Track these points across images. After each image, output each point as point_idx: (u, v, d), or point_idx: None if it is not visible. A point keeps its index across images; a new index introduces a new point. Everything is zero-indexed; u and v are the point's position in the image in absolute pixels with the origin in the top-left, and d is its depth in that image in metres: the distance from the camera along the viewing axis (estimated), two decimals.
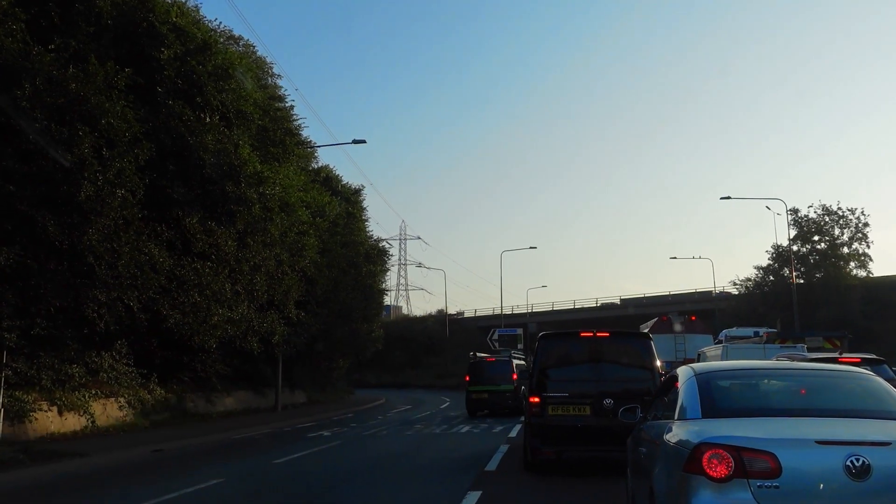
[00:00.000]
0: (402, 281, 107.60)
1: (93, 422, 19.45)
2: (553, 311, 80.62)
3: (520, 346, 56.85)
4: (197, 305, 18.98)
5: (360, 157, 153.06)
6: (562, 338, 13.10)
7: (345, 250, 33.02)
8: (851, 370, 6.41)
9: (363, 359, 46.26)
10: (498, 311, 77.25)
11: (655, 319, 32.04)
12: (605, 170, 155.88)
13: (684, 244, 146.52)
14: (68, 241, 14.56)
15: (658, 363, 11.85)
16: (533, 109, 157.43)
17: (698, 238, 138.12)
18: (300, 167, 34.34)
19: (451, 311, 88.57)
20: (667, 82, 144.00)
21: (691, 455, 4.61)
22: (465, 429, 20.66)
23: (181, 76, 17.77)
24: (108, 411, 20.51)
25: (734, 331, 33.61)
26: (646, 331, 23.05)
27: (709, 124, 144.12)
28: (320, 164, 38.95)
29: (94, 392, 19.99)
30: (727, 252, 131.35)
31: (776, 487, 4.36)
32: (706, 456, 4.51)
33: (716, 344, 29.11)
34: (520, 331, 58.34)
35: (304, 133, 38.42)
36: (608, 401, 10.97)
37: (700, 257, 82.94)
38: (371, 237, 40.69)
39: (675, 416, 5.63)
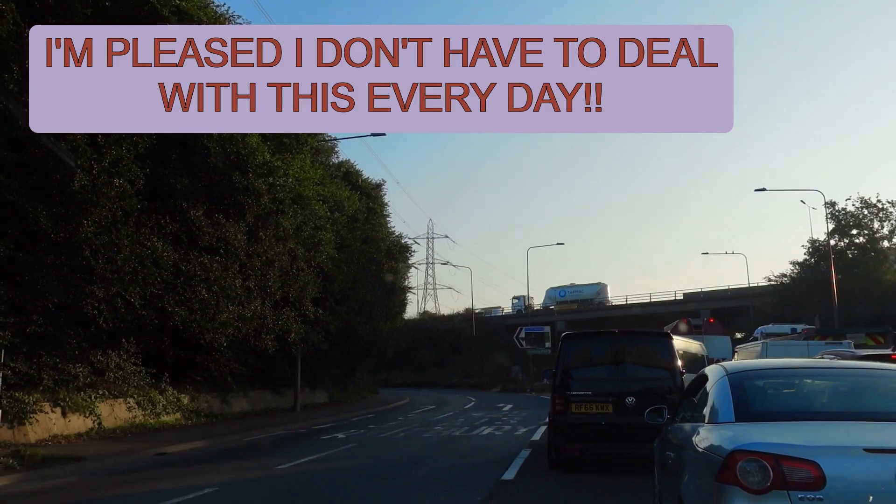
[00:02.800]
0: (430, 280, 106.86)
1: (99, 423, 18.73)
2: (582, 309, 79.16)
3: (547, 344, 55.57)
4: (205, 302, 18.15)
5: (386, 155, 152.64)
6: (584, 338, 13.36)
7: (365, 246, 32.11)
8: (892, 367, 5.82)
9: (386, 358, 45.32)
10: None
11: (676, 321, 31.29)
12: (633, 164, 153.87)
13: (717, 239, 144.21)
14: (63, 233, 13.77)
15: (679, 363, 11.92)
16: None
17: (731, 233, 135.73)
18: (319, 161, 33.59)
19: (478, 309, 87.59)
20: None
21: (725, 463, 4.20)
22: (487, 430, 19.63)
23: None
24: (116, 412, 19.78)
25: (770, 328, 32.36)
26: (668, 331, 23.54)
27: (743, 116, 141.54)
28: (341, 159, 38.17)
29: (100, 392, 19.28)
30: (762, 247, 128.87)
31: (819, 500, 3.95)
32: (741, 464, 4.10)
33: (751, 341, 28.07)
34: (547, 329, 56.98)
35: None
36: (630, 399, 11.13)
37: (733, 252, 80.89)
38: (393, 233, 39.79)
39: (706, 420, 5.20)
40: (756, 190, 40.79)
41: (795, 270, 56.21)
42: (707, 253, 68.08)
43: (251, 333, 22.13)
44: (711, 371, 5.81)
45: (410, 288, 42.47)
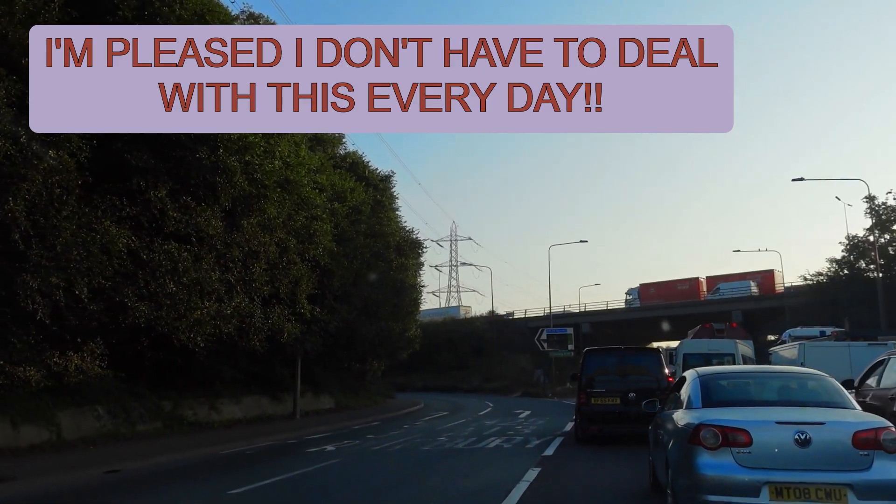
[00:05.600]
0: (454, 282, 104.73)
1: (58, 434, 16.72)
2: (607, 310, 76.29)
3: (570, 346, 53.09)
4: (173, 296, 15.98)
5: (405, 154, 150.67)
6: (600, 352, 18.32)
7: (370, 240, 29.85)
8: (814, 373, 8.23)
9: (397, 360, 43.03)
10: (556, 310, 73.33)
11: (700, 326, 29.79)
12: (660, 158, 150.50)
13: (749, 237, 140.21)
14: None
15: (666, 370, 17.18)
16: None
17: (764, 230, 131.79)
18: (325, 152, 31.44)
19: (501, 311, 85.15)
20: None
21: (693, 432, 6.79)
22: (496, 442, 17.26)
23: (138, 15, 14.64)
24: (81, 422, 17.71)
25: (797, 330, 30.94)
26: (691, 335, 27.74)
27: (774, 107, 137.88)
28: (347, 150, 36.00)
29: (62, 400, 17.27)
30: (797, 244, 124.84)
31: (749, 453, 6.53)
32: (702, 432, 6.70)
33: (779, 345, 26.39)
34: (570, 330, 54.43)
35: None
36: (632, 394, 15.84)
37: (766, 250, 77.05)
38: (404, 228, 37.42)
39: (684, 406, 7.80)
40: (794, 180, 37.98)
41: (833, 269, 53.10)
42: (739, 250, 64.91)
43: (235, 333, 19.99)
44: (689, 374, 8.30)
45: (423, 286, 39.99)
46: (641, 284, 78.82)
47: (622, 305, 76.85)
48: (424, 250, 38.84)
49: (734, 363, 22.58)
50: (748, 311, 64.40)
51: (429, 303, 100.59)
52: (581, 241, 59.47)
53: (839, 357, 17.48)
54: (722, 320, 38.54)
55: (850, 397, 7.65)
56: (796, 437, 6.43)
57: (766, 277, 68.31)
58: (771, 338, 56.32)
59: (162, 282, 15.64)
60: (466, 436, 19.40)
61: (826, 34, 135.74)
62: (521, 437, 18.32)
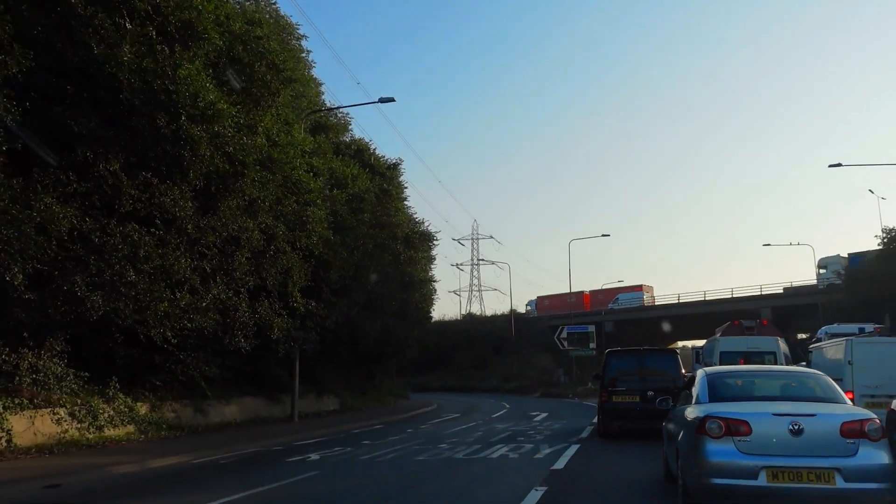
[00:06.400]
0: (476, 281, 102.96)
1: (8, 440, 14.91)
2: (631, 308, 73.89)
3: (591, 345, 50.88)
4: (134, 286, 14.09)
5: (426, 154, 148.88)
6: (621, 353, 19.39)
7: (374, 231, 27.90)
8: (810, 372, 9.58)
9: (410, 359, 41.06)
10: (576, 310, 70.92)
11: (728, 323, 28.74)
12: (686, 149, 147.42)
13: (778, 230, 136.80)
14: None
15: (682, 370, 17.99)
16: (599, 88, 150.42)
17: (795, 224, 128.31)
18: (325, 137, 29.56)
19: (522, 310, 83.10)
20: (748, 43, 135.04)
21: (700, 423, 7.56)
22: (501, 451, 15.20)
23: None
24: (39, 426, 15.88)
25: (835, 327, 29.18)
26: (719, 334, 26.57)
27: (808, 90, 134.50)
28: (353, 137, 34.09)
29: (19, 402, 15.48)
30: (831, 238, 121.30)
31: (749, 441, 7.25)
32: (708, 423, 7.45)
33: (814, 342, 24.84)
34: (591, 328, 52.15)
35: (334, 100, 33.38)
36: (650, 393, 16.72)
37: (798, 244, 73.51)
38: (413, 219, 35.38)
39: (693, 402, 8.56)
40: (830, 165, 35.34)
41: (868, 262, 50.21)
42: (769, 244, 62.09)
43: (218, 328, 18.15)
44: (698, 373, 9.33)
45: (435, 281, 37.93)
46: (538, 297, 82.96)
47: (648, 303, 74.39)
48: (436, 243, 36.81)
49: (775, 362, 20.53)
50: (777, 308, 61.84)
51: (449, 302, 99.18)
52: (603, 235, 57.53)
53: (889, 353, 16.01)
54: (745, 319, 36.30)
55: (843, 393, 8.47)
56: (790, 427, 7.19)
57: (645, 289, 74.90)
58: (801, 336, 53.73)
59: (120, 269, 13.75)
60: (471, 442, 17.37)
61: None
62: (531, 445, 16.24)
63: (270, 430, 22.42)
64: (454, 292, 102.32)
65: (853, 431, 7.16)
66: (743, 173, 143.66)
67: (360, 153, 31.65)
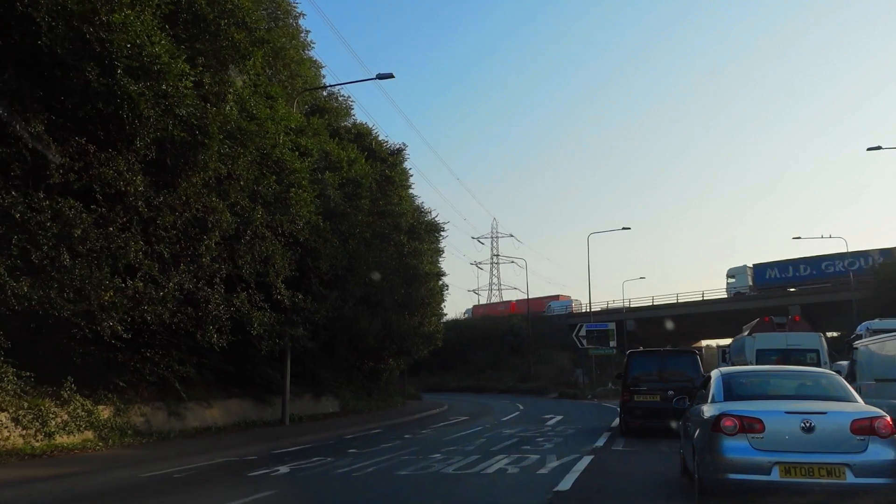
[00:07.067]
0: (496, 280, 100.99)
1: None
2: (653, 306, 71.45)
3: (612, 343, 48.55)
4: (69, 271, 12.06)
5: (444, 152, 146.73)
6: (643, 354, 20.71)
7: (373, 219, 25.77)
8: (823, 371, 10.18)
9: (419, 359, 38.92)
10: (596, 308, 68.47)
11: (757, 320, 26.42)
12: (711, 140, 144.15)
13: (809, 222, 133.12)
14: None
15: (702, 371, 18.11)
16: (618, 79, 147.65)
17: (827, 215, 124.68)
18: (332, 126, 27.55)
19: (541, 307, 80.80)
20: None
21: (715, 421, 7.76)
22: (500, 464, 12.98)
23: None
24: None
25: (876, 323, 26.67)
26: (748, 331, 25.10)
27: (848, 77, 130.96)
28: (356, 121, 32.01)
29: None
30: (864, 230, 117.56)
31: (762, 438, 7.50)
32: (723, 421, 7.68)
33: (855, 339, 22.80)
34: (611, 325, 49.78)
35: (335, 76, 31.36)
36: (670, 392, 16.97)
37: (830, 236, 69.72)
38: (419, 208, 33.15)
39: (708, 401, 8.75)
40: (869, 149, 32.71)
41: None
42: (799, 237, 59.23)
43: (188, 322, 16.14)
44: (714, 373, 9.52)
45: (444, 274, 35.68)
46: (475, 306, 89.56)
47: (671, 301, 71.74)
48: (444, 235, 34.53)
49: (818, 362, 18.26)
50: (806, 305, 59.06)
51: (469, 301, 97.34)
52: (624, 229, 54.83)
53: None
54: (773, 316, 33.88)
55: (854, 392, 8.67)
56: (802, 424, 7.49)
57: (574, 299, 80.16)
58: (832, 334, 50.96)
59: (50, 251, 11.73)
60: (469, 452, 15.18)
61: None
62: (536, 456, 14.00)
63: (254, 435, 20.39)
64: (473, 291, 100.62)
65: (863, 429, 7.40)
66: (775, 167, 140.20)
67: (361, 137, 29.52)
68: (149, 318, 14.62)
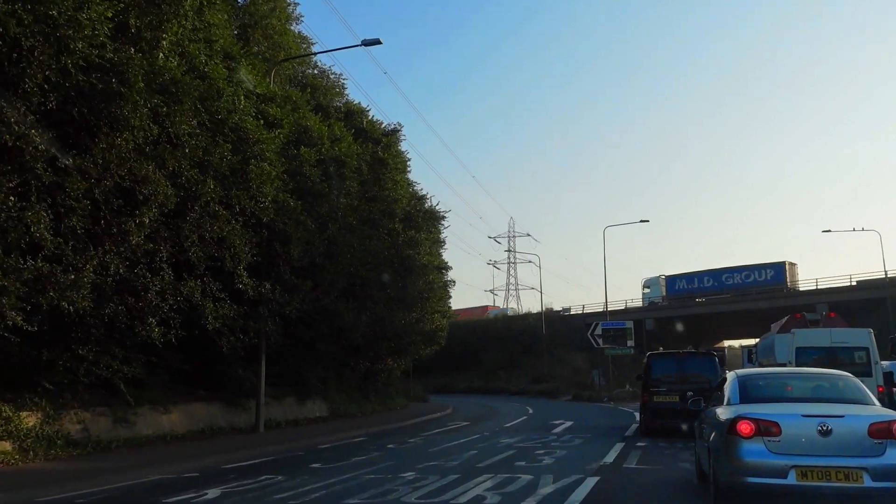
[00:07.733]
0: (513, 280, 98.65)
1: None
2: (672, 306, 68.18)
3: (629, 343, 45.71)
4: None
5: (460, 151, 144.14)
6: (662, 356, 21.58)
7: (362, 203, 23.22)
8: (840, 374, 9.36)
9: (418, 357, 36.29)
10: (613, 308, 65.51)
11: (787, 317, 24.65)
12: (732, 131, 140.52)
13: (839, 215, 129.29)
14: None
15: (719, 372, 18.01)
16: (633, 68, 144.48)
17: (859, 208, 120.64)
18: (314, 97, 25.04)
19: (557, 307, 78.35)
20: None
21: (731, 424, 7.67)
22: (480, 489, 10.25)
23: None
24: None
25: None
26: (776, 330, 24.05)
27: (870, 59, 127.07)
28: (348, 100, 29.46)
29: None
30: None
31: (778, 441, 7.38)
32: (739, 424, 7.57)
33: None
34: (629, 324, 46.96)
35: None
36: (689, 393, 16.20)
37: (863, 229, 66.30)
38: (416, 194, 30.49)
39: (724, 403, 8.70)
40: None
41: None
42: (829, 231, 55.86)
43: (121, 314, 13.66)
44: (729, 375, 9.42)
45: (447, 268, 33.04)
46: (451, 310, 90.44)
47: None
48: (445, 225, 31.85)
49: (868, 361, 15.55)
50: (835, 303, 56.00)
51: (486, 301, 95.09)
52: (642, 221, 52.13)
53: None
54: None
55: (871, 394, 8.51)
56: (819, 427, 7.32)
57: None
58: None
59: None
60: (449, 470, 12.51)
61: None
62: (529, 477, 11.29)
63: (217, 444, 17.90)
64: (490, 291, 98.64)
65: (881, 432, 7.29)
66: (803, 164, 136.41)
67: (352, 116, 26.94)
68: (66, 306, 12.11)
